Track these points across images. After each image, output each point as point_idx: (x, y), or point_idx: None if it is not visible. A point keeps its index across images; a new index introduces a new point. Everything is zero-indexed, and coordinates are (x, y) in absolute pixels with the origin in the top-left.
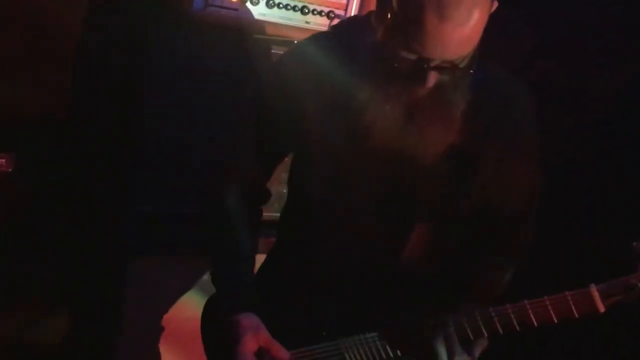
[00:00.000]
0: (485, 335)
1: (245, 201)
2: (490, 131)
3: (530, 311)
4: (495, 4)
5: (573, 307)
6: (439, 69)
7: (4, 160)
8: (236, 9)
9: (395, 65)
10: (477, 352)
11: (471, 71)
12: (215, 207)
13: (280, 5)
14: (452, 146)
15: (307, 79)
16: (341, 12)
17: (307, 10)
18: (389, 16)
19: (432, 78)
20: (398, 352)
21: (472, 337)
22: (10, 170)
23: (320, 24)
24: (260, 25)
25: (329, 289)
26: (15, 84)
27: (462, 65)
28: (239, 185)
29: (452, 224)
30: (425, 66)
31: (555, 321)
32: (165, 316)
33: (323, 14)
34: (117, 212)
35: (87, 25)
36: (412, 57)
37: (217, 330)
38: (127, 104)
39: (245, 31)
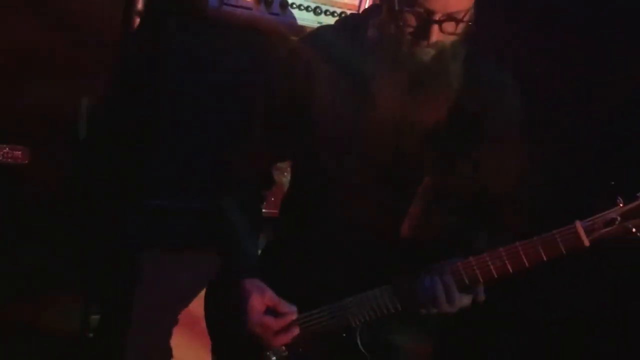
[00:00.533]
0: (481, 280)
1: (250, 189)
2: (485, 111)
3: (521, 252)
4: None
5: (560, 244)
6: (441, 22)
7: (20, 152)
8: (250, 9)
9: (401, 24)
10: (481, 295)
11: (464, 35)
12: (222, 192)
13: (294, 6)
14: (452, 118)
15: (313, 64)
16: (353, 13)
17: (319, 11)
18: None
19: (435, 33)
20: (398, 306)
21: (468, 283)
22: (26, 162)
23: None
24: (274, 24)
25: (334, 256)
26: (31, 79)
27: (460, 21)
28: (246, 174)
29: (451, 194)
30: (430, 19)
31: (545, 259)
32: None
33: (335, 14)
34: (129, 204)
35: (103, 23)
36: (418, 10)
37: (223, 301)
38: (141, 100)
39: (259, 30)
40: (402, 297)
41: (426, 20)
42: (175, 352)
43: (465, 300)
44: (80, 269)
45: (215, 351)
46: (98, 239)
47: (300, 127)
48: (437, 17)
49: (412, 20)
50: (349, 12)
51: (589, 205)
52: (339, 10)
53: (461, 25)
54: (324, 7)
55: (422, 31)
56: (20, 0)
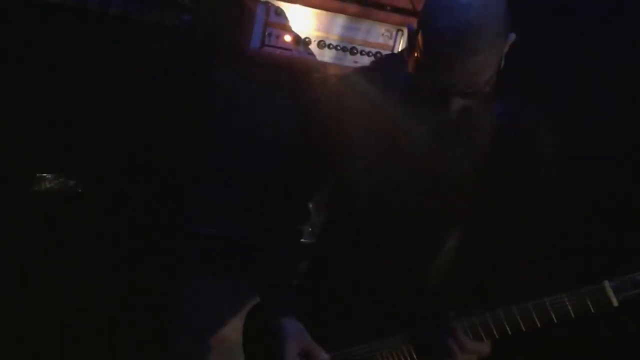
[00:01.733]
0: (509, 332)
1: (288, 223)
2: (515, 158)
3: (549, 308)
4: (513, 36)
5: (589, 302)
6: (460, 94)
7: (74, 182)
8: (290, 50)
9: (423, 95)
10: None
11: (492, 94)
12: (262, 227)
13: (331, 46)
14: (480, 167)
15: (347, 107)
16: (388, 53)
17: (355, 51)
18: (416, 54)
19: (456, 103)
20: (414, 356)
21: (496, 335)
22: (79, 191)
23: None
24: (312, 64)
25: (367, 295)
26: (84, 112)
27: (482, 89)
28: (283, 210)
29: (480, 238)
30: (447, 95)
31: (573, 316)
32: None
33: (370, 54)
34: (175, 232)
35: (153, 64)
36: (436, 88)
37: (260, 337)
38: (191, 134)
39: (298, 70)
40: (421, 346)
41: (445, 93)
42: None
43: (479, 347)
44: (126, 291)
45: None
46: (145, 264)
47: (334, 165)
48: (455, 90)
49: (433, 94)
50: (384, 52)
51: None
52: (374, 51)
53: (485, 89)
54: (359, 48)
55: (442, 101)
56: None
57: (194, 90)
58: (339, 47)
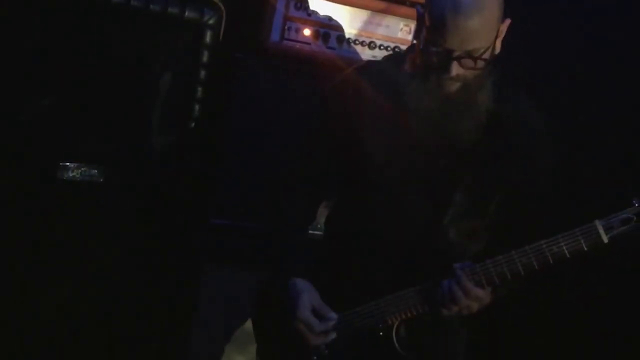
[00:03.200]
0: (509, 277)
1: (305, 202)
2: (511, 136)
3: (545, 249)
4: (508, 20)
5: (582, 241)
6: (459, 58)
7: (96, 171)
8: (309, 43)
9: (427, 61)
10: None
11: (487, 74)
12: (279, 204)
13: (350, 41)
14: (480, 141)
15: (360, 91)
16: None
17: (374, 46)
18: (423, 32)
19: (455, 68)
20: (425, 307)
21: (496, 280)
22: (101, 180)
23: None
24: (331, 58)
25: (375, 260)
26: (108, 103)
27: (477, 61)
28: (299, 188)
29: (483, 207)
30: (448, 56)
31: (568, 256)
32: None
33: (389, 49)
34: (196, 222)
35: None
36: (438, 49)
37: (270, 301)
38: (212, 125)
39: (317, 63)
40: (427, 298)
41: (446, 57)
42: None
43: (481, 294)
44: (147, 279)
45: (259, 353)
46: (166, 253)
47: (348, 146)
48: (455, 54)
49: (434, 58)
50: (402, 47)
51: (607, 207)
52: (392, 45)
53: (480, 62)
54: (378, 42)
55: (444, 67)
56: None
57: (215, 83)
58: (357, 42)
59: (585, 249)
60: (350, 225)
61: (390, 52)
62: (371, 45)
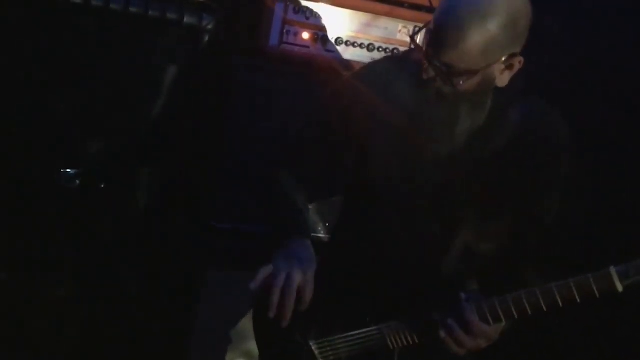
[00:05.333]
0: (516, 316)
1: (297, 185)
2: (524, 161)
3: (556, 292)
4: (520, 58)
5: (594, 287)
6: (433, 66)
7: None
8: (308, 47)
9: (428, 82)
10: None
11: (475, 97)
12: (272, 183)
13: (348, 43)
14: (487, 157)
15: (361, 96)
16: (405, 50)
17: (372, 48)
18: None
19: (426, 73)
20: (426, 339)
21: (502, 319)
22: (102, 186)
23: None
24: (329, 61)
25: (379, 280)
26: (107, 109)
27: (458, 79)
28: (294, 174)
29: (492, 228)
30: (425, 59)
31: (578, 301)
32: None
33: (388, 51)
34: (199, 227)
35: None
36: (421, 54)
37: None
38: (212, 129)
39: (316, 66)
40: (430, 331)
41: (446, 73)
42: None
43: (487, 329)
44: (150, 282)
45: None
46: (170, 257)
47: (349, 155)
48: (432, 60)
49: (434, 72)
50: (401, 48)
51: (624, 250)
52: (391, 47)
53: (458, 81)
54: (377, 44)
55: (445, 81)
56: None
57: (214, 88)
58: (356, 44)
59: (598, 295)
60: (354, 237)
61: (389, 54)
62: (370, 48)
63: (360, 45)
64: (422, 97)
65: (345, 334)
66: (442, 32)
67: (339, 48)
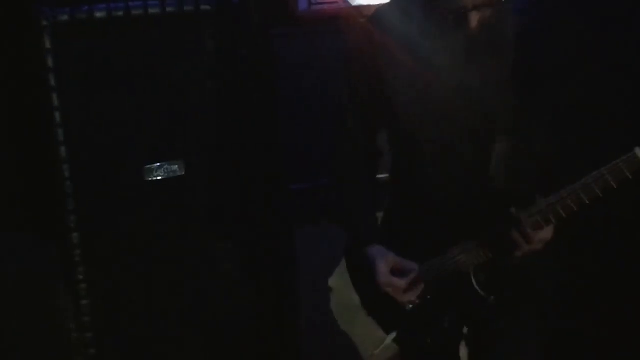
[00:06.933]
0: (564, 215)
1: (360, 162)
2: (537, 60)
3: (593, 184)
4: None
5: (625, 170)
6: (477, 8)
7: (177, 166)
8: (335, 2)
9: (444, 18)
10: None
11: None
12: (337, 170)
13: None
14: (510, 75)
15: (380, 38)
16: None
17: None
18: None
19: (474, 18)
20: (490, 255)
21: (552, 221)
22: (183, 173)
23: None
24: (359, 10)
25: (436, 211)
26: (171, 106)
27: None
28: (353, 151)
29: (524, 143)
30: (464, 11)
31: (614, 186)
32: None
33: None
34: (277, 191)
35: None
36: (452, 6)
37: (357, 267)
38: (266, 101)
39: (347, 18)
40: (491, 247)
41: (461, 14)
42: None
43: (542, 235)
44: (248, 251)
45: (364, 306)
46: (259, 226)
47: (382, 98)
48: (471, 6)
49: (451, 14)
50: None
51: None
52: None
53: (497, 7)
54: None
55: (463, 23)
56: None
57: (259, 61)
58: None
59: (630, 176)
60: (404, 181)
61: None
62: None
63: None
64: (441, 36)
65: (422, 267)
66: None
67: None
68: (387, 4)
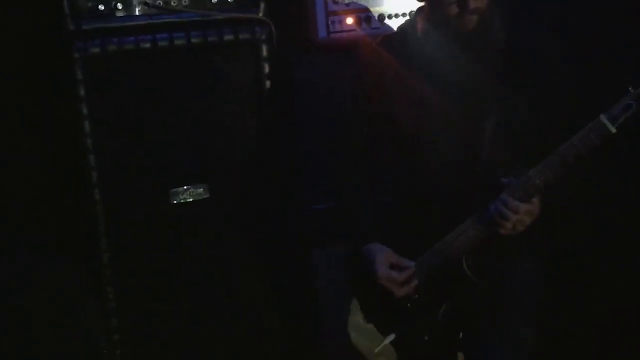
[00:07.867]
0: (542, 187)
1: (361, 168)
2: (527, 49)
3: (565, 153)
4: None
5: (593, 137)
6: None
7: (202, 189)
8: (355, 30)
9: (444, 7)
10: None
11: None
12: (344, 188)
13: (391, 17)
14: (504, 62)
15: (386, 60)
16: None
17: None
18: None
19: (472, 3)
20: (483, 233)
21: (529, 194)
22: (208, 196)
23: None
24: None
25: (430, 207)
26: (198, 131)
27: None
28: (355, 157)
29: (515, 132)
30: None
31: (586, 154)
32: None
33: None
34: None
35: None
36: None
37: (356, 268)
38: (287, 126)
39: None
40: (483, 225)
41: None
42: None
43: (530, 207)
44: (267, 270)
45: (363, 310)
46: (280, 245)
47: (386, 106)
48: None
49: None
50: None
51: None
52: None
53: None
54: None
55: (461, 5)
56: None
57: (281, 89)
58: (398, 15)
59: (599, 143)
60: (403, 180)
61: None
62: (411, 15)
63: (403, 15)
64: (440, 40)
65: (419, 260)
66: None
67: (383, 24)
68: (395, 32)
